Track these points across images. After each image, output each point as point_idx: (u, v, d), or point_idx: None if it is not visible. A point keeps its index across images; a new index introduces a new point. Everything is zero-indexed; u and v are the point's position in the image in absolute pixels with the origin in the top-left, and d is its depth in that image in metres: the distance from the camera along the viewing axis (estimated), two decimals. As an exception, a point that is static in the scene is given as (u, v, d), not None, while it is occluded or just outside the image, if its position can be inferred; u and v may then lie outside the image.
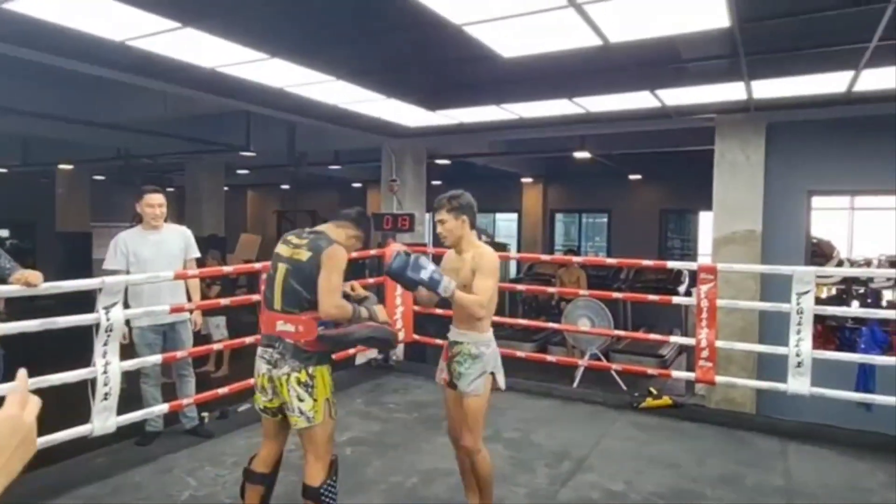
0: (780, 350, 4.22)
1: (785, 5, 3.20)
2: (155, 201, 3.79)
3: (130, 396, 3.55)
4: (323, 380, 2.49)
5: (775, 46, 3.71)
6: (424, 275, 2.55)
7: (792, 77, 4.18)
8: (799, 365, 4.12)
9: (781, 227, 5.48)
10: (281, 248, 2.60)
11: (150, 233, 3.79)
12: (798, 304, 4.14)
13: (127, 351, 3.50)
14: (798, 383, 4.12)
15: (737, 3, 2.87)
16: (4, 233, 15.46)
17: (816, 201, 5.73)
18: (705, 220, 11.90)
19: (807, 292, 4.13)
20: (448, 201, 2.76)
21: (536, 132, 6.81)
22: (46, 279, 3.01)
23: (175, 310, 3.74)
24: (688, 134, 6.69)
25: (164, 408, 3.66)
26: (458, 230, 2.75)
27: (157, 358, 3.68)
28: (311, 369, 2.46)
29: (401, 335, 5.64)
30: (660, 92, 4.61)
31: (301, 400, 2.45)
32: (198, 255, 4.01)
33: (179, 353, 3.83)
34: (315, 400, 2.46)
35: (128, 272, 3.64)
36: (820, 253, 6.22)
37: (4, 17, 3.19)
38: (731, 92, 4.63)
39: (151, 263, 3.70)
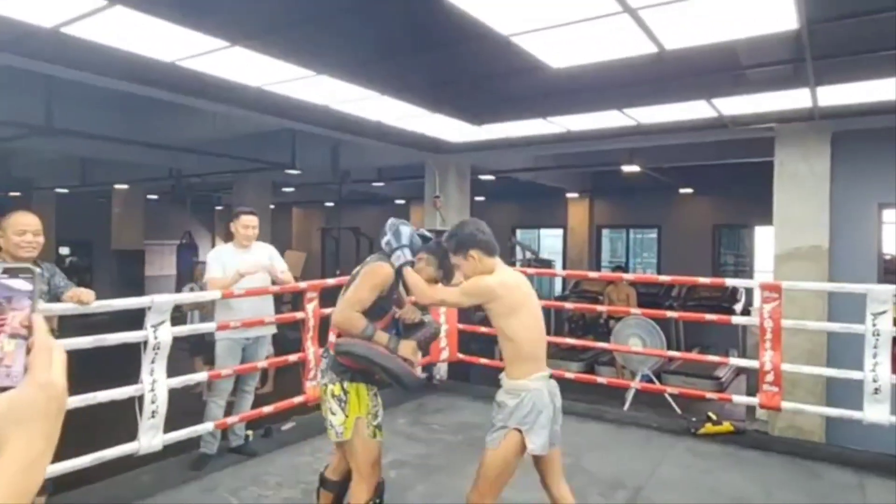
0: (855, 375, 3.91)
1: (858, 5, 2.99)
2: (250, 223, 3.91)
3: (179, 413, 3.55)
4: (357, 396, 2.46)
5: (845, 49, 3.48)
6: (395, 241, 2.49)
7: (862, 82, 3.92)
8: (876, 391, 3.81)
9: (850, 243, 5.13)
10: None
11: (241, 251, 3.91)
12: (874, 325, 3.84)
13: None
14: (876, 411, 3.80)
15: (807, 3, 2.68)
16: (65, 251, 16.18)
17: (888, 214, 5.35)
18: (762, 235, 11.38)
19: (883, 312, 3.83)
20: (448, 242, 2.48)
21: (584, 145, 6.64)
22: (102, 295, 3.05)
23: (254, 323, 3.83)
24: (744, 145, 6.40)
25: (209, 426, 3.63)
26: (472, 267, 2.42)
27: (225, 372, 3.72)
28: (345, 384, 2.46)
29: (444, 354, 5.54)
30: (716, 101, 4.40)
31: (333, 413, 2.47)
32: (285, 269, 4.10)
33: (261, 363, 3.89)
34: (347, 416, 2.44)
35: None
36: (893, 270, 5.81)
37: (61, 41, 3.28)
38: (794, 99, 4.38)
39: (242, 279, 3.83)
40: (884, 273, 5.34)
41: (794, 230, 5.22)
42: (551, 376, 2.45)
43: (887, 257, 5.84)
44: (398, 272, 2.48)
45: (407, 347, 2.46)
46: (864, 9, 3.02)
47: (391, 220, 2.61)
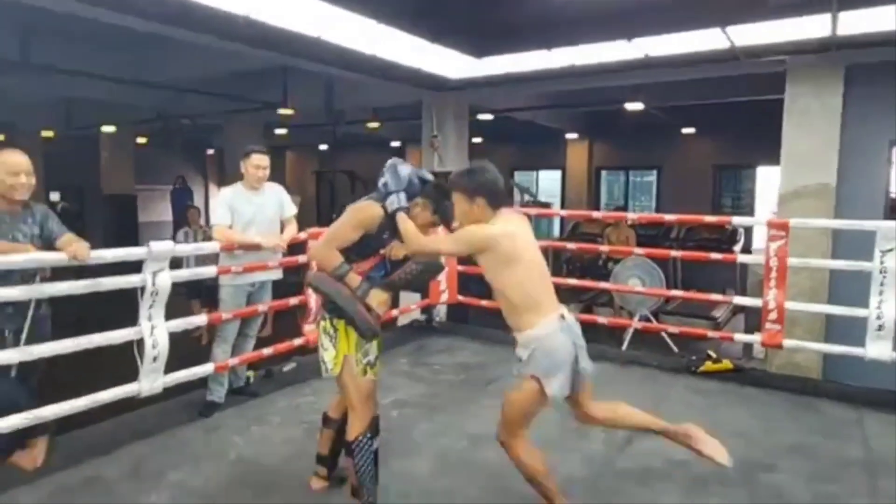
0: (859, 312, 3.89)
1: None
2: (262, 163, 3.75)
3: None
4: (346, 333, 2.44)
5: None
6: (392, 184, 2.40)
7: (887, 6, 3.71)
8: (880, 328, 3.79)
9: (858, 181, 5.02)
10: None
11: (251, 193, 3.77)
12: (882, 262, 3.79)
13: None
14: (878, 348, 3.80)
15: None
16: (55, 196, 15.90)
17: (898, 152, 5.24)
18: (763, 175, 11.26)
19: (891, 250, 3.77)
20: (461, 178, 2.38)
21: (588, 81, 6.40)
22: (94, 242, 2.95)
23: (257, 268, 3.75)
24: (753, 81, 6.19)
25: (209, 368, 3.60)
26: (471, 212, 2.34)
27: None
28: (335, 321, 2.44)
29: (443, 297, 5.50)
30: (730, 29, 4.18)
31: (325, 349, 2.48)
32: (294, 211, 3.99)
33: (262, 307, 3.92)
34: (336, 352, 2.45)
35: (230, 227, 3.68)
36: (899, 208, 5.72)
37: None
38: (811, 28, 4.17)
39: (251, 223, 3.73)
40: (890, 212, 5.27)
41: (802, 168, 5.10)
42: (563, 316, 2.35)
43: (894, 196, 5.75)
44: (392, 216, 2.39)
45: (375, 297, 2.39)
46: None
47: (391, 161, 2.50)
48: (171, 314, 3.27)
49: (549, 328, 2.29)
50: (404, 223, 2.37)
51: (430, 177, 2.52)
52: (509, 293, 2.30)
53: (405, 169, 2.45)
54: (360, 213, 2.43)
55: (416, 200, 2.43)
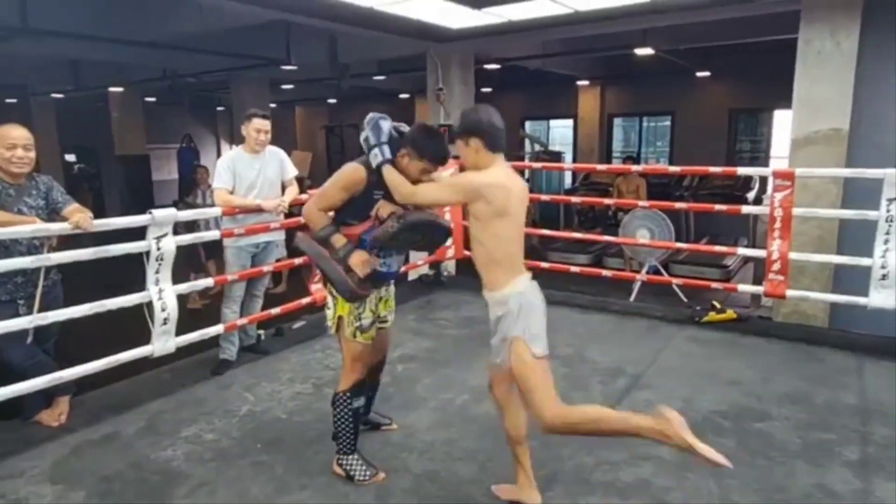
0: (864, 261, 3.87)
1: None
2: (263, 127, 3.76)
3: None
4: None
5: None
6: (373, 138, 2.35)
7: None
8: (884, 277, 3.78)
9: (872, 126, 4.87)
10: None
11: (252, 157, 3.81)
12: (888, 211, 3.74)
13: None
14: (881, 296, 3.80)
15: None
16: (72, 157, 16.08)
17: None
18: (780, 119, 10.94)
19: (899, 197, 3.71)
20: (456, 121, 2.31)
21: (593, 28, 6.20)
22: (110, 202, 3.03)
23: (259, 230, 3.83)
24: (766, 21, 5.94)
25: (219, 328, 3.72)
26: (468, 157, 2.25)
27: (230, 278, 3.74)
28: None
29: (450, 252, 5.55)
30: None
31: (328, 307, 2.58)
32: (295, 173, 4.04)
33: (266, 268, 3.99)
34: (334, 312, 2.53)
35: (231, 191, 3.74)
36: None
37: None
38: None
39: (252, 187, 3.78)
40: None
41: (815, 112, 4.96)
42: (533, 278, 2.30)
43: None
44: (378, 173, 2.35)
45: (357, 257, 2.39)
46: None
47: (370, 115, 2.45)
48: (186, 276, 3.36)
49: (526, 285, 2.25)
50: (390, 175, 2.31)
51: (404, 130, 2.46)
52: (492, 246, 2.21)
53: (386, 123, 2.41)
54: (343, 177, 2.42)
55: (402, 152, 2.36)
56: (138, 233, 3.23)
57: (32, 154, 2.86)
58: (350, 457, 2.58)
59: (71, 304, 3.05)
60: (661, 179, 9.57)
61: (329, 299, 2.56)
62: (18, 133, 2.82)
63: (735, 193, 8.92)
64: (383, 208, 2.41)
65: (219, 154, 17.71)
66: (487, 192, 2.15)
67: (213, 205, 3.96)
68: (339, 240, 2.42)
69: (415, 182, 2.35)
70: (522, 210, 2.32)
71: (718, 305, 4.74)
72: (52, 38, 6.46)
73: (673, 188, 9.60)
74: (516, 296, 2.20)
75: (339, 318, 2.52)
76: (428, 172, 2.41)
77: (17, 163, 2.79)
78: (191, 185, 7.60)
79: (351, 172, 2.42)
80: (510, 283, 2.21)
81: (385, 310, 2.67)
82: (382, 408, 3.07)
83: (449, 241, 5.42)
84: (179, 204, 7.65)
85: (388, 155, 2.34)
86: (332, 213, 2.50)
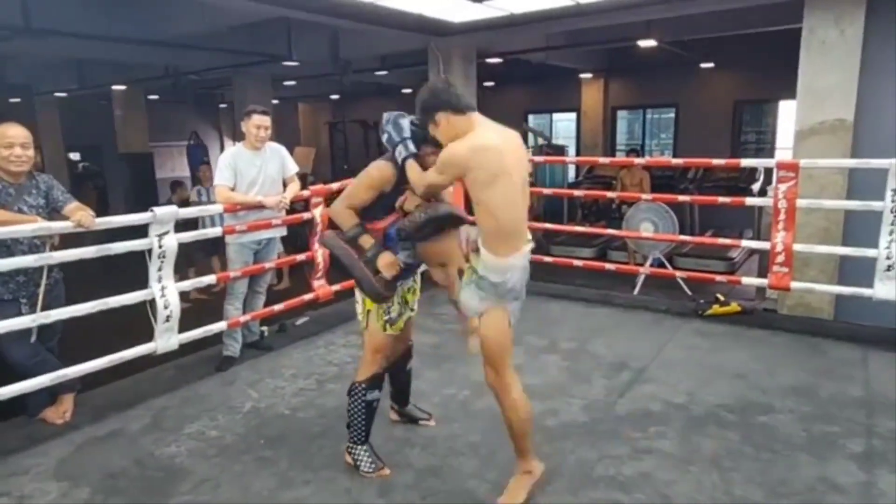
0: (869, 252, 3.83)
1: None
2: (263, 123, 3.77)
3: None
4: None
5: None
6: (396, 135, 2.35)
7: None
8: (889, 269, 3.75)
9: (877, 116, 4.81)
10: None
11: (253, 154, 3.81)
12: (893, 201, 3.70)
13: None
14: (886, 288, 3.77)
15: None
16: (75, 156, 16.13)
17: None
18: (785, 110, 10.86)
19: (904, 188, 3.67)
20: (418, 111, 2.28)
21: (596, 20, 6.15)
22: (114, 200, 3.04)
23: (261, 226, 3.83)
24: (770, 11, 5.88)
25: (222, 325, 3.73)
26: (444, 132, 2.18)
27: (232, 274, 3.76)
28: None
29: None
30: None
31: (357, 302, 2.63)
32: (296, 169, 4.05)
33: (268, 264, 4.03)
34: (363, 307, 2.58)
35: (233, 188, 3.75)
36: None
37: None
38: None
39: (253, 184, 3.79)
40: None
41: (819, 103, 4.90)
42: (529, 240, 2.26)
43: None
44: (403, 169, 2.36)
45: (384, 258, 2.42)
46: None
47: (386, 114, 2.47)
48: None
49: (525, 259, 2.22)
50: (411, 170, 2.32)
51: (417, 123, 2.42)
52: (498, 212, 2.09)
53: (405, 120, 2.42)
54: (370, 176, 2.44)
55: (425, 149, 2.35)
56: (141, 230, 3.24)
57: (31, 152, 2.86)
58: (360, 448, 2.61)
59: (74, 302, 3.06)
60: (664, 172, 9.52)
61: (357, 294, 2.61)
62: (16, 131, 2.82)
63: (740, 185, 8.87)
64: (410, 201, 2.43)
65: (223, 150, 17.75)
66: (475, 157, 2.06)
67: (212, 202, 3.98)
68: (367, 241, 2.44)
69: None
70: (521, 169, 2.21)
71: (723, 298, 4.72)
72: (54, 38, 6.47)
73: (677, 181, 9.55)
74: (513, 269, 2.17)
75: (368, 311, 2.57)
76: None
77: (15, 161, 2.80)
78: (196, 183, 7.62)
79: (378, 171, 2.43)
80: (513, 253, 2.15)
81: (412, 298, 2.73)
82: (384, 402, 3.06)
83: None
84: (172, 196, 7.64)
85: (412, 149, 2.35)
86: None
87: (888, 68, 4.74)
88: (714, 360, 3.78)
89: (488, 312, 2.23)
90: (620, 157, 11.34)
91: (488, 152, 2.07)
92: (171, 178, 15.54)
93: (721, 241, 5.23)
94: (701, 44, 9.71)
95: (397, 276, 2.46)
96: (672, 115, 12.95)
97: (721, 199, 4.83)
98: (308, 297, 4.30)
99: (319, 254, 4.24)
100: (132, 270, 3.44)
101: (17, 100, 13.19)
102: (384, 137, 2.42)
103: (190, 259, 6.64)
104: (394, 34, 6.52)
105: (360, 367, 2.62)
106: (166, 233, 3.25)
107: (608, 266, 5.41)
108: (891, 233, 3.73)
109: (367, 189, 2.45)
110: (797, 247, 4.09)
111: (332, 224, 2.68)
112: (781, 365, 3.68)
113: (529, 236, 2.29)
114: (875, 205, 3.79)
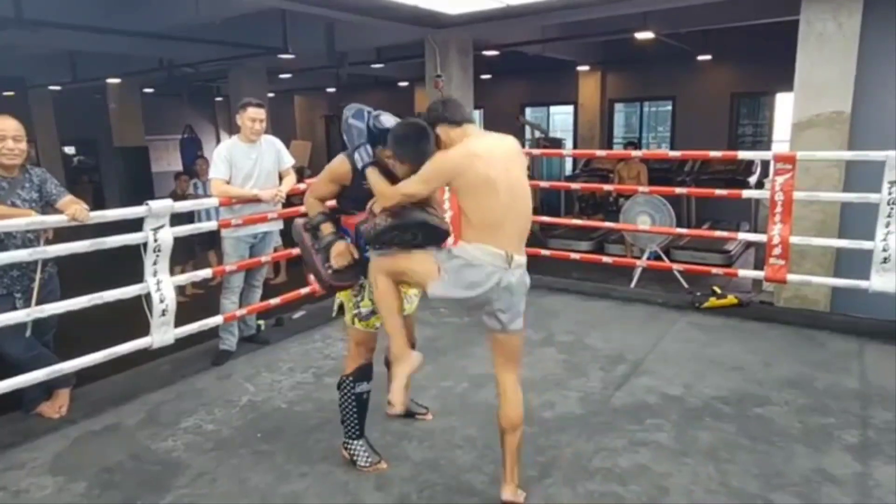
0: (865, 245, 3.84)
1: None
2: (258, 116, 3.75)
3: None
4: None
5: None
6: (353, 138, 2.33)
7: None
8: (885, 261, 3.76)
9: (875, 108, 4.80)
10: None
11: (249, 147, 3.79)
12: (889, 193, 3.71)
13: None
14: (882, 280, 3.78)
15: None
16: (70, 150, 16.03)
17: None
18: (783, 102, 10.84)
19: (901, 180, 3.67)
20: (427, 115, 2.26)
21: (592, 12, 6.13)
22: (110, 194, 3.02)
23: (257, 220, 3.83)
24: (768, 3, 5.87)
25: (218, 319, 3.72)
26: (446, 143, 2.19)
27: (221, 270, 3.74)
28: None
29: (450, 241, 5.52)
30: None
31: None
32: (291, 162, 4.04)
33: (264, 258, 4.03)
34: (340, 299, 2.58)
35: (228, 181, 3.73)
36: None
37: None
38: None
39: (249, 177, 3.78)
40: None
41: (816, 95, 4.90)
42: (511, 262, 2.12)
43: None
44: (362, 174, 2.31)
45: (337, 247, 2.39)
46: None
47: (345, 113, 2.39)
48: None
49: (488, 258, 2.10)
50: (372, 179, 2.26)
51: (387, 124, 2.33)
52: (475, 219, 2.10)
53: (358, 123, 2.33)
54: (331, 168, 2.45)
55: (385, 152, 2.27)
56: (136, 224, 3.22)
57: (23, 145, 2.84)
58: (355, 442, 2.60)
59: (69, 296, 3.05)
60: (662, 165, 9.52)
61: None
62: (7, 124, 2.79)
63: (737, 178, 8.86)
64: (379, 203, 2.34)
65: (219, 143, 17.68)
66: (462, 164, 2.10)
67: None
68: (326, 228, 2.43)
69: (407, 177, 2.25)
70: (510, 176, 2.13)
71: (719, 291, 4.73)
72: (47, 30, 6.41)
73: (674, 173, 9.55)
74: (468, 255, 2.11)
75: (342, 303, 2.56)
76: (415, 171, 2.28)
77: (7, 154, 2.77)
78: (192, 177, 7.58)
79: (337, 165, 2.43)
80: (479, 244, 2.10)
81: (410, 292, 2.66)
82: (381, 396, 3.06)
83: (450, 241, 5.43)
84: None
85: (367, 159, 2.29)
86: (332, 202, 2.54)
87: (885, 61, 4.74)
88: (710, 352, 3.79)
89: (438, 257, 2.20)
90: (617, 150, 11.31)
91: (476, 159, 2.10)
92: (166, 172, 15.54)
93: (718, 233, 5.23)
94: (698, 36, 9.69)
95: (349, 266, 2.39)
96: (669, 107, 12.92)
97: (718, 192, 4.83)
98: (305, 290, 4.29)
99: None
100: (128, 264, 3.43)
101: (11, 93, 13.10)
102: (345, 138, 2.38)
103: (192, 252, 6.62)
104: (390, 26, 6.48)
105: (347, 361, 2.61)
106: (161, 227, 3.23)
107: (605, 259, 5.41)
108: (887, 225, 3.74)
109: (328, 182, 2.47)
110: (794, 239, 4.09)
111: None
112: (778, 357, 3.69)
113: (522, 257, 2.19)
114: (872, 197, 3.80)
